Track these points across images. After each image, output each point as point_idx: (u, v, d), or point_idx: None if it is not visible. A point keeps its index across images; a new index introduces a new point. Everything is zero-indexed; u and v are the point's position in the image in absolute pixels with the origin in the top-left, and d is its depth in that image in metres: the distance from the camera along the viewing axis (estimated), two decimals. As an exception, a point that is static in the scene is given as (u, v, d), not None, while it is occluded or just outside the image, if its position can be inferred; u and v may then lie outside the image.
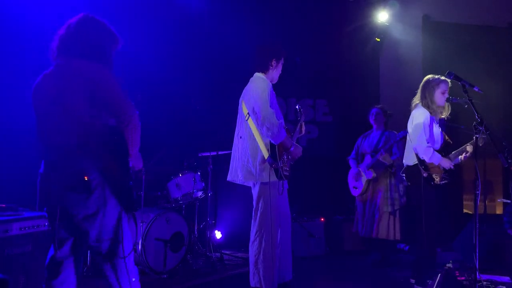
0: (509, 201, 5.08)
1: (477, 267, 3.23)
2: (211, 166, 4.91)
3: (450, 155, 3.90)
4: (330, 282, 4.51)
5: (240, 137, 3.49)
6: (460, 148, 3.93)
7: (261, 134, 3.32)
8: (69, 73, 2.23)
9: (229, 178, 3.58)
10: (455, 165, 3.91)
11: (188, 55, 5.47)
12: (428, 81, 3.90)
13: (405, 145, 4.25)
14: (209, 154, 4.89)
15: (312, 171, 5.99)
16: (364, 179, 5.00)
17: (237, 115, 3.66)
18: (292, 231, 3.70)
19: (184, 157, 4.92)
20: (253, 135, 3.38)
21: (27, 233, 3.09)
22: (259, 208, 3.40)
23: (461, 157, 3.91)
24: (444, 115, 3.93)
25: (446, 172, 3.85)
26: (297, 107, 3.82)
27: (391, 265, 4.86)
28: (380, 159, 4.81)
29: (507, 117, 6.16)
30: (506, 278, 4.33)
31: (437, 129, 3.89)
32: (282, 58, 3.59)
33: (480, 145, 3.68)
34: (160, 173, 4.62)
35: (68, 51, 2.29)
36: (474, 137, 3.77)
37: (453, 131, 4.24)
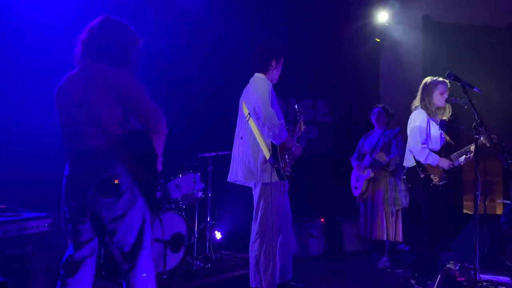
0: (509, 202, 5.08)
1: (477, 267, 3.22)
2: (211, 167, 4.91)
3: (452, 156, 3.90)
4: (330, 282, 4.51)
5: (241, 138, 3.49)
6: (463, 149, 3.93)
7: (262, 134, 3.32)
8: (94, 77, 2.22)
9: (229, 179, 3.58)
10: (456, 166, 3.90)
11: (188, 55, 5.47)
12: (426, 83, 3.93)
13: (404, 144, 4.25)
14: (209, 155, 4.89)
15: (312, 171, 5.99)
16: (363, 178, 5.00)
17: (237, 115, 3.66)
18: (292, 231, 3.70)
19: (184, 158, 4.92)
20: (254, 136, 3.38)
21: (27, 234, 3.09)
22: (260, 209, 3.40)
23: (462, 158, 3.91)
24: (445, 117, 3.94)
25: (446, 173, 3.84)
26: (296, 106, 3.82)
27: (392, 266, 4.85)
28: (376, 157, 4.80)
29: (508, 117, 6.16)
30: (506, 279, 4.33)
31: (435, 131, 3.88)
32: (282, 58, 3.60)
33: (488, 145, 3.68)
34: (159, 174, 4.61)
35: (92, 55, 2.29)
36: (474, 138, 3.79)
37: (453, 132, 4.24)
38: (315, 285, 4.30)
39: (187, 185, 4.58)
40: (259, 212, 3.40)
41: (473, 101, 3.31)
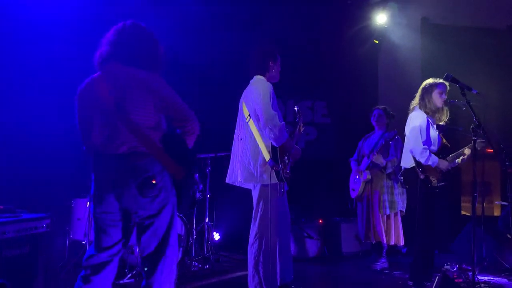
0: (506, 204, 5.09)
1: (475, 269, 3.23)
2: (209, 168, 4.91)
3: (448, 158, 3.91)
4: (328, 284, 4.51)
5: (241, 139, 3.48)
6: (458, 151, 3.95)
7: (263, 136, 3.32)
8: (130, 80, 2.24)
9: (228, 180, 3.58)
10: (452, 167, 3.92)
11: (187, 56, 5.47)
12: (426, 84, 3.96)
13: (403, 147, 4.25)
14: (207, 156, 4.89)
15: (311, 172, 5.99)
16: (360, 180, 5.00)
17: (235, 116, 3.65)
18: (291, 232, 3.70)
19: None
20: (254, 137, 3.37)
21: (25, 235, 3.08)
22: (259, 210, 3.39)
23: (459, 160, 3.93)
24: (443, 120, 3.94)
25: (444, 174, 3.85)
26: (295, 108, 3.82)
27: (390, 267, 4.85)
28: (373, 159, 4.80)
29: (506, 119, 6.17)
30: (504, 280, 4.34)
31: (434, 132, 3.90)
32: (279, 57, 3.60)
33: (479, 149, 3.72)
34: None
35: (123, 58, 2.31)
36: (472, 140, 3.81)
37: (451, 133, 4.25)
38: (313, 287, 4.30)
39: (186, 186, 4.57)
40: (258, 214, 3.40)
41: (471, 103, 3.32)
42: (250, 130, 3.39)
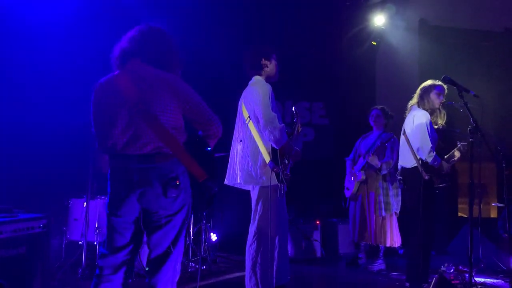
0: (503, 205, 5.10)
1: (472, 270, 3.24)
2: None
3: (444, 159, 3.92)
4: (325, 285, 4.51)
5: (240, 141, 3.47)
6: (449, 154, 3.97)
7: (263, 138, 3.32)
8: (155, 80, 2.23)
9: (226, 181, 3.56)
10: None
11: (184, 55, 5.46)
12: (424, 85, 3.99)
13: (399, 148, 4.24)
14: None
15: (308, 173, 6.00)
16: (355, 180, 5.00)
17: (234, 117, 3.64)
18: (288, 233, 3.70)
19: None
20: (254, 139, 3.37)
21: (22, 235, 3.07)
22: (258, 211, 3.39)
23: (450, 161, 3.95)
24: (440, 123, 3.95)
25: (444, 176, 3.86)
26: (293, 109, 3.81)
27: (387, 269, 4.85)
28: (368, 161, 4.80)
29: (503, 121, 6.19)
30: (500, 282, 4.35)
31: (433, 132, 3.92)
32: (273, 55, 3.58)
33: (463, 150, 3.77)
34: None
35: (146, 58, 2.31)
36: (460, 144, 3.83)
37: (448, 135, 4.26)
38: (310, 287, 4.31)
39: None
40: (257, 215, 3.39)
41: (468, 105, 3.33)
42: (250, 131, 3.39)
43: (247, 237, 3.46)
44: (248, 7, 6.07)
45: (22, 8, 4.68)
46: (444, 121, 3.97)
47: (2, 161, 4.37)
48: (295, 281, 3.92)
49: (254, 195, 3.46)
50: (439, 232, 5.08)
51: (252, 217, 3.44)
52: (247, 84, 3.58)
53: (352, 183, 5.03)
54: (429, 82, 4.00)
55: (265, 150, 3.30)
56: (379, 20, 6.45)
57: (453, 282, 3.97)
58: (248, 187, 3.54)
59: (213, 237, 5.36)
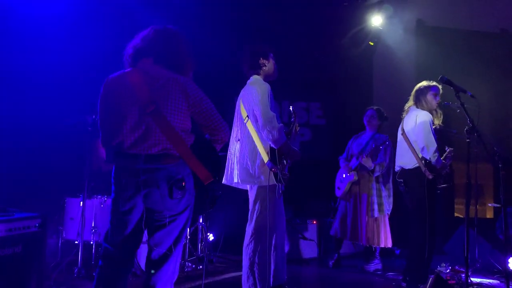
0: (499, 205, 5.12)
1: (468, 271, 3.24)
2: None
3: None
4: (322, 285, 4.52)
5: (238, 140, 3.46)
6: (445, 154, 3.98)
7: (261, 137, 3.31)
8: (166, 82, 2.23)
9: (224, 181, 3.56)
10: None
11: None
12: (420, 86, 3.99)
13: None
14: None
15: (305, 173, 6.00)
16: (346, 180, 5.00)
17: (231, 116, 3.64)
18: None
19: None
20: (252, 138, 3.36)
21: (17, 234, 3.05)
22: (256, 211, 3.38)
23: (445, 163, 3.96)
24: (436, 123, 3.96)
25: (445, 176, 3.87)
26: (290, 108, 3.81)
27: (383, 269, 4.86)
28: (362, 162, 4.80)
29: (500, 122, 6.21)
30: (496, 282, 4.36)
31: (434, 133, 3.93)
32: (270, 54, 3.57)
33: (450, 155, 3.80)
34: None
35: (159, 58, 2.31)
36: (448, 149, 3.84)
37: (445, 136, 4.27)
38: (307, 287, 4.31)
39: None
40: (255, 214, 3.38)
41: (465, 105, 3.33)
42: (248, 131, 3.38)
43: (244, 237, 3.45)
44: (246, 7, 6.06)
45: (17, 7, 4.66)
46: (440, 121, 3.98)
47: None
48: (291, 281, 3.92)
49: (252, 195, 3.45)
50: (436, 232, 5.09)
51: (249, 217, 3.44)
52: (244, 83, 3.57)
53: (344, 183, 5.02)
54: (423, 83, 4.00)
55: (264, 150, 3.29)
56: (376, 20, 6.46)
57: (449, 282, 3.97)
58: (246, 187, 3.54)
59: (210, 237, 5.35)
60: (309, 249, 5.37)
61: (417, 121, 3.86)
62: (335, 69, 6.65)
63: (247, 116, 3.38)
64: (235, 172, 3.42)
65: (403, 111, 4.15)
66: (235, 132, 3.54)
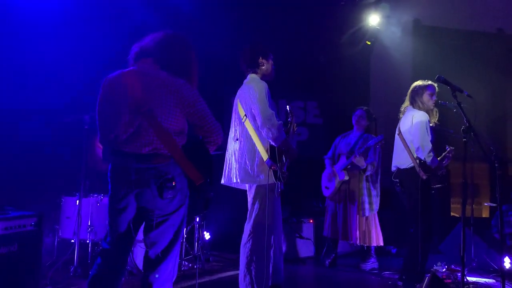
0: (495, 205, 5.14)
1: (464, 270, 3.25)
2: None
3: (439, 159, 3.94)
4: (319, 284, 4.52)
5: (236, 139, 3.46)
6: (441, 156, 3.99)
7: (260, 135, 3.31)
8: (160, 83, 2.25)
9: (223, 181, 3.55)
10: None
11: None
12: (415, 86, 3.99)
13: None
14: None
15: (302, 173, 5.99)
16: (337, 180, 4.99)
17: (229, 115, 3.63)
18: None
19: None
20: (251, 137, 3.36)
21: (13, 232, 3.04)
22: (255, 210, 3.38)
23: (444, 162, 3.97)
24: (432, 121, 3.96)
25: (440, 176, 3.88)
26: (287, 107, 3.81)
27: (380, 268, 4.87)
28: (354, 161, 4.81)
29: (496, 121, 6.23)
30: (491, 281, 4.38)
31: (432, 133, 3.93)
32: (270, 54, 3.58)
33: (450, 155, 3.81)
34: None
35: (161, 62, 2.35)
36: (448, 148, 3.85)
37: (442, 135, 4.28)
38: (304, 287, 4.31)
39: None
40: (253, 213, 3.38)
41: (462, 105, 3.34)
42: (246, 129, 3.37)
43: (240, 236, 3.45)
44: (243, 6, 6.06)
45: (15, 1, 4.64)
46: (436, 119, 3.99)
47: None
48: (288, 280, 3.92)
49: (250, 194, 3.45)
50: (433, 231, 5.11)
51: (248, 216, 3.43)
52: (240, 83, 3.56)
53: (332, 183, 5.03)
54: (418, 83, 3.98)
55: (263, 148, 3.29)
56: (373, 20, 6.47)
57: (445, 281, 3.99)
58: (245, 187, 3.53)
59: (207, 235, 5.35)
60: (305, 248, 5.38)
61: (413, 121, 3.86)
62: (332, 68, 6.65)
63: (245, 115, 3.37)
64: (234, 172, 3.41)
65: (399, 112, 4.15)
66: (233, 132, 3.53)
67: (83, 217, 4.13)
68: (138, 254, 4.04)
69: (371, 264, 4.89)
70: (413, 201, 3.86)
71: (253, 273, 3.30)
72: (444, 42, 6.34)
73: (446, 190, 6.23)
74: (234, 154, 3.44)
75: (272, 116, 3.24)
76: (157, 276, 2.29)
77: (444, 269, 4.64)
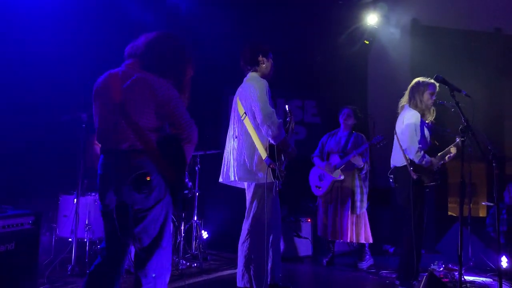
0: (492, 204, 5.15)
1: (462, 269, 3.26)
2: (198, 166, 4.88)
3: (437, 157, 3.94)
4: (317, 283, 4.52)
5: (236, 137, 3.45)
6: (445, 150, 3.99)
7: (259, 133, 3.30)
8: (138, 84, 2.31)
9: (221, 179, 3.54)
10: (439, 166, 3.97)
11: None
12: (417, 82, 3.96)
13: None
14: (196, 153, 4.86)
15: (300, 172, 5.99)
16: (329, 179, 5.00)
17: (227, 114, 3.62)
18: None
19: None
20: (250, 135, 3.35)
21: (10, 231, 3.04)
22: (253, 208, 3.37)
23: (446, 158, 3.97)
24: (429, 120, 3.97)
25: (434, 174, 3.89)
26: (286, 107, 3.81)
27: (377, 266, 4.88)
28: (352, 160, 4.81)
29: (493, 120, 6.24)
30: (488, 280, 4.39)
31: (427, 131, 3.93)
32: (270, 53, 3.58)
33: (453, 152, 3.81)
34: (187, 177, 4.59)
35: (147, 63, 2.39)
36: (458, 140, 3.85)
37: (439, 134, 4.28)
38: (302, 285, 4.31)
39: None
40: (252, 212, 3.38)
41: (460, 104, 3.34)
42: (246, 127, 3.37)
43: (238, 234, 3.45)
44: (241, 5, 6.05)
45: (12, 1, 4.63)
46: (433, 117, 3.99)
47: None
48: (286, 279, 3.92)
49: (249, 192, 3.45)
50: (429, 231, 5.12)
51: (246, 214, 3.43)
52: (239, 82, 3.56)
53: (325, 182, 5.02)
54: (421, 79, 3.97)
55: (262, 146, 3.29)
56: (371, 19, 6.47)
57: (443, 280, 3.99)
58: (243, 185, 3.53)
59: (204, 234, 5.35)
60: (303, 247, 5.38)
61: (404, 122, 3.91)
62: (331, 68, 6.65)
63: (245, 113, 3.37)
64: (232, 169, 3.40)
65: (397, 108, 4.15)
66: (231, 130, 3.52)
67: (81, 216, 4.12)
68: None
69: (367, 261, 4.90)
70: (405, 200, 3.87)
71: (252, 271, 3.30)
72: (442, 42, 6.34)
73: (443, 189, 6.24)
74: (233, 152, 3.44)
75: (273, 114, 3.24)
76: (146, 273, 2.30)
77: (441, 268, 4.66)
